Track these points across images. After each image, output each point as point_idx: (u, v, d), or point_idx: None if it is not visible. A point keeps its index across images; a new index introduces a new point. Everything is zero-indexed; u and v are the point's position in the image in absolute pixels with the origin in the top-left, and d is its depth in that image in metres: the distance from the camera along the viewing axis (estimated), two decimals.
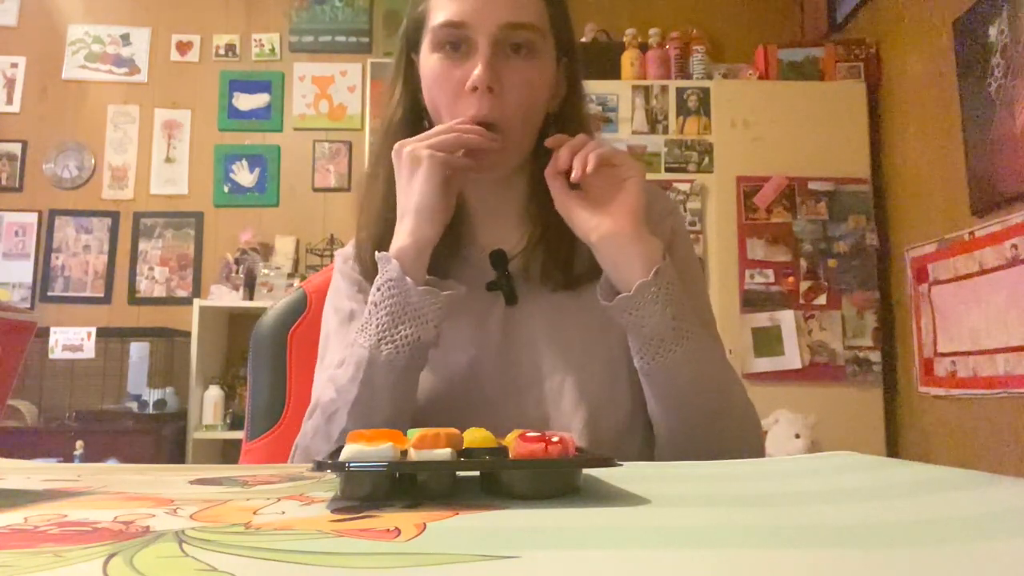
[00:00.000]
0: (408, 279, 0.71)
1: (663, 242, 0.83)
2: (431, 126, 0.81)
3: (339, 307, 0.85)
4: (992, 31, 2.27)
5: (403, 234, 0.73)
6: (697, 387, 0.73)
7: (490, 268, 0.83)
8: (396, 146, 0.75)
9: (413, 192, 0.73)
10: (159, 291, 3.41)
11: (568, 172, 0.72)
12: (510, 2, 0.75)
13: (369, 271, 0.81)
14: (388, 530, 0.35)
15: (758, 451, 0.78)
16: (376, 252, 0.74)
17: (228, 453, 3.11)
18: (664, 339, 0.70)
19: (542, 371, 0.79)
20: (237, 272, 3.17)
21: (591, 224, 0.72)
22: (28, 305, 3.31)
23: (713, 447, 0.72)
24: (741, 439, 0.76)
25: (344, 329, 0.83)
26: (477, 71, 0.74)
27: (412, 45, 0.83)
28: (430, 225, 0.73)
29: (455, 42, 0.76)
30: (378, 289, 0.73)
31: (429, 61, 0.78)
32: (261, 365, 1.02)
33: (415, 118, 0.83)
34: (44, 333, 2.91)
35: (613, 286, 0.73)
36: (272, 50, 3.60)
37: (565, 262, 0.81)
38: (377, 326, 0.72)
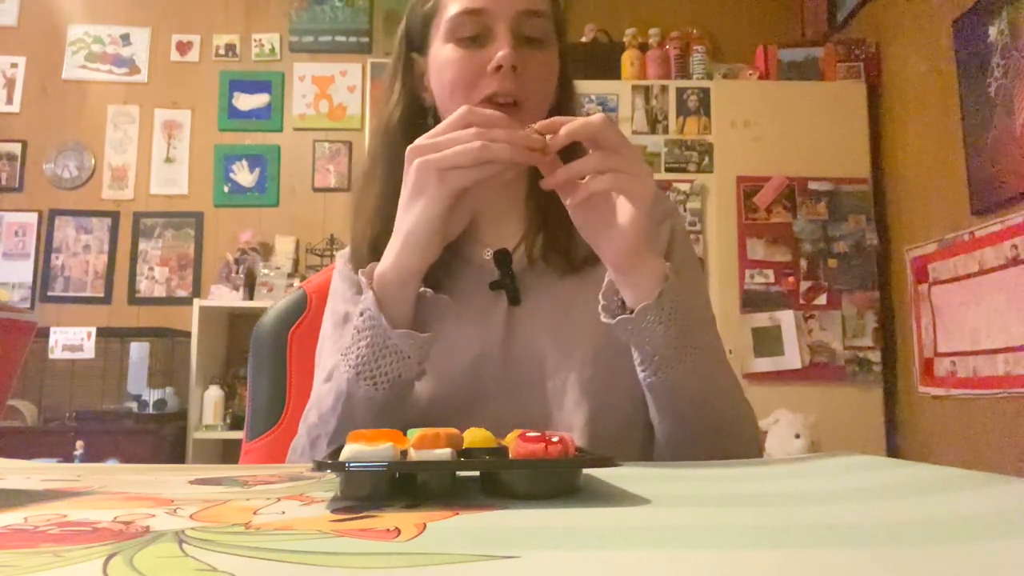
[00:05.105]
0: (383, 319, 0.67)
1: (662, 243, 0.83)
2: (435, 124, 0.81)
3: (335, 310, 0.85)
4: (992, 31, 2.27)
5: (389, 256, 0.69)
6: (699, 403, 0.72)
7: (493, 266, 0.83)
8: (410, 148, 0.69)
9: (410, 215, 0.68)
10: (159, 291, 3.41)
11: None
12: None
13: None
14: (388, 530, 0.35)
15: (755, 455, 0.78)
16: (359, 271, 0.71)
17: (228, 453, 3.11)
18: (666, 357, 0.69)
19: (544, 370, 0.79)
20: (237, 272, 3.17)
21: (594, 240, 0.69)
22: (28, 305, 3.31)
23: (712, 456, 0.72)
24: (739, 448, 0.76)
25: (339, 333, 0.83)
26: (502, 52, 0.74)
27: (415, 43, 0.84)
28: (419, 257, 0.68)
29: (472, 31, 0.76)
30: (360, 315, 0.70)
31: (443, 51, 0.78)
32: (261, 365, 1.02)
33: (415, 117, 0.83)
34: (44, 333, 2.90)
35: (617, 291, 0.71)
36: (272, 50, 3.60)
37: (565, 248, 0.82)
38: (357, 356, 0.69)
